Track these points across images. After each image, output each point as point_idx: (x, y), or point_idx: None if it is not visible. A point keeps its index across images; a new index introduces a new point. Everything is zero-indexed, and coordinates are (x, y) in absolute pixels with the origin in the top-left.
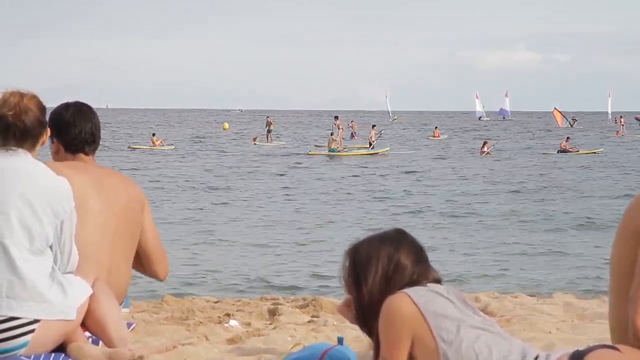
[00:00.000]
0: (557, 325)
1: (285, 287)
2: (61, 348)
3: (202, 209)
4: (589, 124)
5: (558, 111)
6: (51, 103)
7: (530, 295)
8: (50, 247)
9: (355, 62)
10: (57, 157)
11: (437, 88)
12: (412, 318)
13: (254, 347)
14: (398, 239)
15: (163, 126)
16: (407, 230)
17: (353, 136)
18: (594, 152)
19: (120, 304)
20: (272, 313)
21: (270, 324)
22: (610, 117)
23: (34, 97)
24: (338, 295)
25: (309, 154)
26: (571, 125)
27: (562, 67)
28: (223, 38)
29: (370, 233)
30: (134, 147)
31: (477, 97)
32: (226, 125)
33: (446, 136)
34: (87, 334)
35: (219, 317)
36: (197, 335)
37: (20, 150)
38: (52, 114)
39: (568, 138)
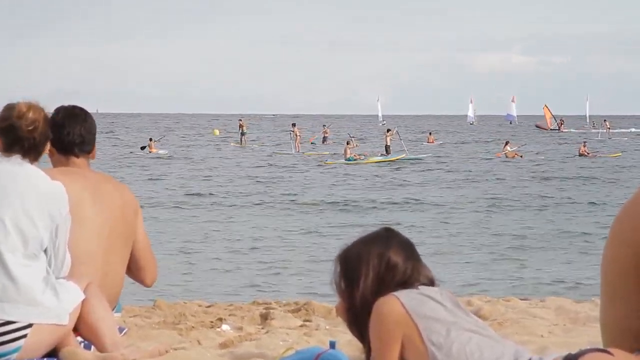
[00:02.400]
0: (550, 329)
1: (278, 291)
2: (53, 353)
3: (199, 210)
4: (573, 127)
5: (548, 109)
6: (51, 103)
7: (523, 299)
8: (45, 251)
9: (356, 62)
10: (52, 159)
11: (437, 88)
12: (401, 321)
13: (246, 351)
14: (387, 237)
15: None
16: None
17: (325, 141)
18: (614, 156)
19: (113, 308)
20: (264, 317)
21: (263, 328)
22: (587, 121)
23: (42, 110)
24: (331, 300)
25: (326, 164)
26: (559, 128)
27: (562, 67)
28: (223, 38)
29: (360, 235)
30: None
31: (471, 102)
32: (216, 131)
33: (440, 142)
34: (79, 338)
35: (212, 322)
36: (189, 340)
37: (20, 157)
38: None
39: (585, 142)
